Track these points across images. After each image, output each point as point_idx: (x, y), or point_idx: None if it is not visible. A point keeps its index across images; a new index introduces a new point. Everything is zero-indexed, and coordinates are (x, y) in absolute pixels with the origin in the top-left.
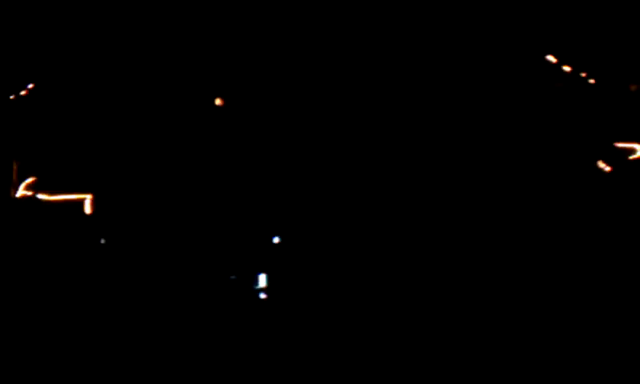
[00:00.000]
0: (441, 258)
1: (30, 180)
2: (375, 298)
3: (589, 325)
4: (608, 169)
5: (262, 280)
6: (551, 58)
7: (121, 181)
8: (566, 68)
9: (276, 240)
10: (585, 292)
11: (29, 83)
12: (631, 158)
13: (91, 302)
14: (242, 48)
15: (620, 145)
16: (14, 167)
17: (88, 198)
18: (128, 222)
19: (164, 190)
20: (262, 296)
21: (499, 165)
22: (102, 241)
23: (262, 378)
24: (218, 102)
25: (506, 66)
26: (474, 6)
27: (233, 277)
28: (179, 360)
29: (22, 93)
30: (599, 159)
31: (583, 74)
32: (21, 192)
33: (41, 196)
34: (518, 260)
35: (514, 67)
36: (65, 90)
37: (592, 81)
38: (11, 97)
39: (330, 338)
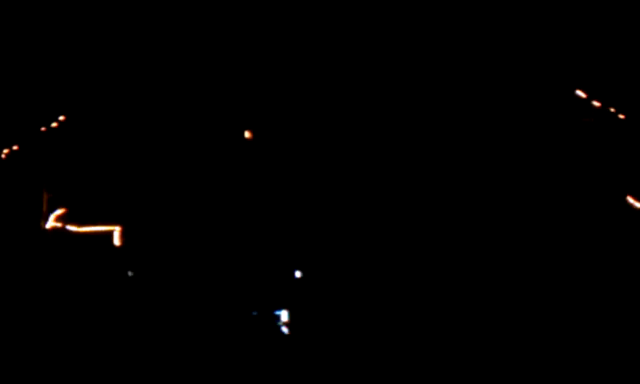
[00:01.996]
0: (461, 270)
1: (59, 211)
2: (395, 327)
3: (588, 325)
4: (637, 204)
5: (284, 315)
6: (581, 94)
7: (150, 214)
8: (596, 103)
9: (298, 274)
10: (584, 294)
11: (59, 115)
12: None
13: (119, 332)
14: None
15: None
16: (45, 199)
17: (117, 230)
18: (155, 255)
19: (192, 224)
20: (285, 331)
21: (525, 196)
22: (130, 273)
23: None
24: (247, 135)
25: (533, 98)
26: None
27: (255, 312)
28: None
29: (53, 125)
30: (627, 193)
31: (612, 109)
32: (51, 223)
33: (70, 227)
34: (520, 263)
35: (542, 100)
36: (95, 123)
37: (621, 116)
38: (42, 129)
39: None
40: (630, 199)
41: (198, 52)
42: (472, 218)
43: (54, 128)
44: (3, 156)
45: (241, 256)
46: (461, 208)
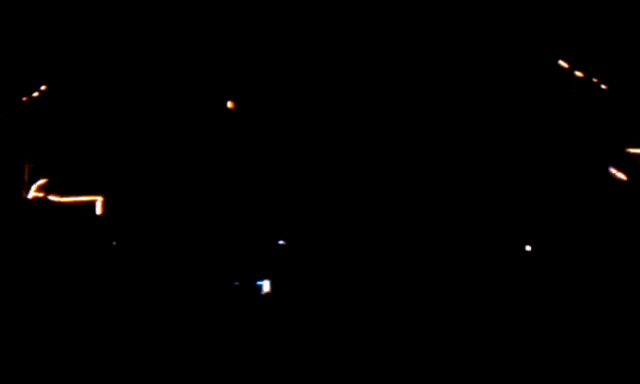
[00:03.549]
0: (444, 259)
1: (41, 181)
2: (379, 301)
3: (588, 325)
4: (619, 175)
5: (266, 286)
6: (563, 64)
7: (131, 183)
8: (578, 73)
9: (281, 242)
10: (584, 292)
11: (41, 85)
12: None
13: (101, 303)
14: (250, 52)
15: (631, 150)
16: (26, 168)
17: (99, 200)
18: (137, 225)
19: (173, 193)
20: (266, 301)
21: (505, 167)
22: (114, 242)
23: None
24: (229, 104)
25: (516, 69)
26: (484, 10)
27: (237, 283)
28: (182, 364)
29: (35, 94)
30: (609, 164)
31: (595, 80)
32: (32, 193)
33: (52, 197)
34: (519, 261)
35: (525, 71)
36: (76, 92)
37: (604, 86)
38: (24, 98)
39: (333, 344)
40: (613, 170)
41: (184, 25)
42: (461, 196)
43: (36, 97)
44: None
45: (224, 224)
46: (450, 181)
